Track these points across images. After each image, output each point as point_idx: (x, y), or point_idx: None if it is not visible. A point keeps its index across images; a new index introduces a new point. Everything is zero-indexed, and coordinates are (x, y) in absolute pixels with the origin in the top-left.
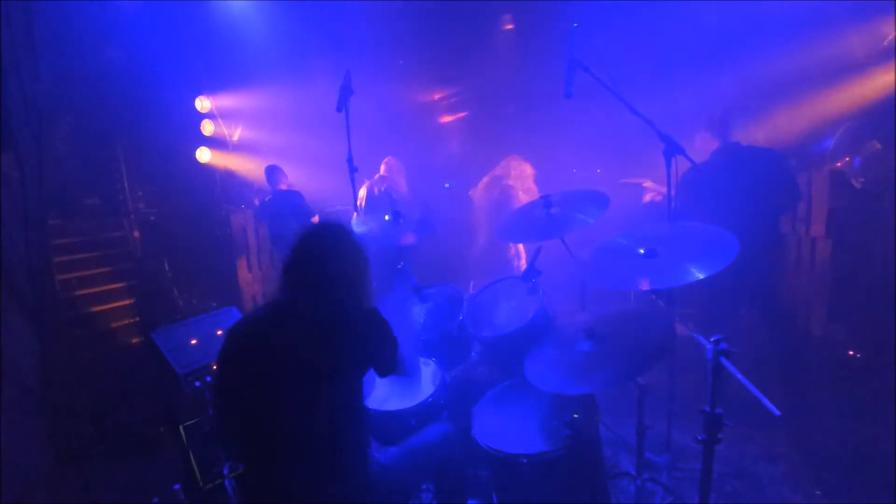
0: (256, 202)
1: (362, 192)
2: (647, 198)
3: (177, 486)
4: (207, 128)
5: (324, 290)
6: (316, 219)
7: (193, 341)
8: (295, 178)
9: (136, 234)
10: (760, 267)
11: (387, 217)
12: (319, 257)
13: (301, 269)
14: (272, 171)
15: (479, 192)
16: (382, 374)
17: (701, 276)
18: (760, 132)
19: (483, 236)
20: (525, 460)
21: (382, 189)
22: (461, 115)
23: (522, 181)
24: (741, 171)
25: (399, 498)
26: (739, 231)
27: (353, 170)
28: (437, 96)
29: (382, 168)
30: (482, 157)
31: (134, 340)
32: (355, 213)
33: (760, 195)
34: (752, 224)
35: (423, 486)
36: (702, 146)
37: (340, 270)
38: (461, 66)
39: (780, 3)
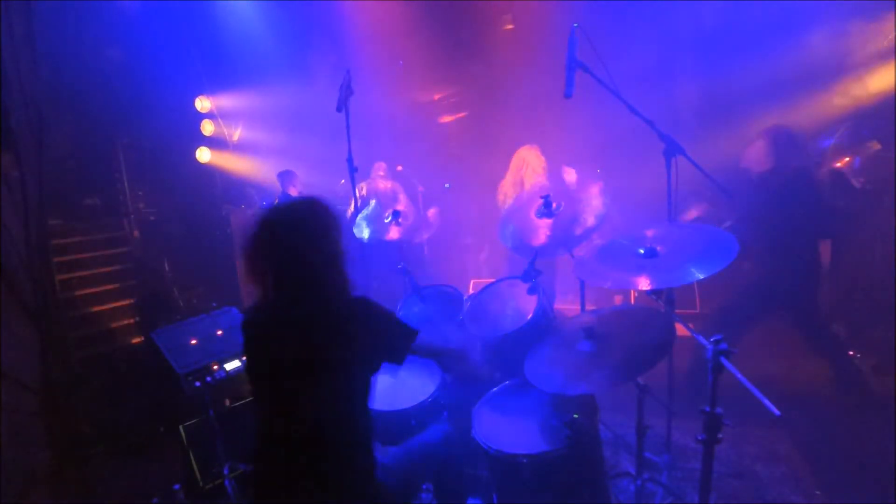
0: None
1: (359, 192)
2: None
3: (177, 486)
4: (207, 128)
5: (305, 278)
6: None
7: (193, 341)
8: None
9: (136, 234)
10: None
11: (388, 219)
12: (288, 243)
13: (274, 261)
14: (284, 176)
15: (505, 185)
16: (399, 362)
17: (701, 276)
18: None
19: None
20: (525, 460)
21: (383, 188)
22: (461, 115)
23: (540, 169)
24: (796, 194)
25: (399, 498)
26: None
27: (353, 170)
28: (437, 96)
29: (376, 171)
30: (482, 157)
31: (134, 340)
32: (351, 210)
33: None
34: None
35: (423, 486)
36: (757, 158)
37: (314, 253)
38: (461, 66)
39: (781, 2)
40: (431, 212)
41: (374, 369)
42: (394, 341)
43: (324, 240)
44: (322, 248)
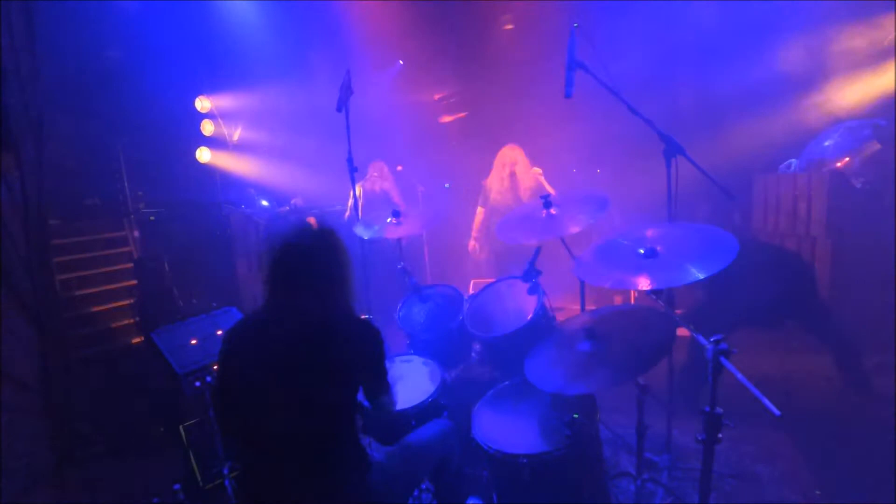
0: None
1: (358, 192)
2: None
3: (177, 486)
4: (207, 128)
5: (310, 292)
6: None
7: (193, 341)
8: (294, 178)
9: (136, 234)
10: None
11: (389, 220)
12: (302, 261)
13: (285, 274)
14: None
15: (490, 182)
16: (371, 396)
17: (701, 276)
18: (760, 131)
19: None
20: (525, 460)
21: (377, 189)
22: (461, 115)
23: (523, 166)
24: None
25: (399, 498)
26: None
27: (353, 170)
28: (437, 96)
29: (372, 171)
30: (482, 157)
31: (134, 340)
32: (348, 213)
33: None
34: None
35: (423, 486)
36: None
37: (324, 272)
38: (461, 66)
39: (781, 2)
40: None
41: (354, 381)
42: (373, 381)
43: (331, 265)
44: (328, 272)
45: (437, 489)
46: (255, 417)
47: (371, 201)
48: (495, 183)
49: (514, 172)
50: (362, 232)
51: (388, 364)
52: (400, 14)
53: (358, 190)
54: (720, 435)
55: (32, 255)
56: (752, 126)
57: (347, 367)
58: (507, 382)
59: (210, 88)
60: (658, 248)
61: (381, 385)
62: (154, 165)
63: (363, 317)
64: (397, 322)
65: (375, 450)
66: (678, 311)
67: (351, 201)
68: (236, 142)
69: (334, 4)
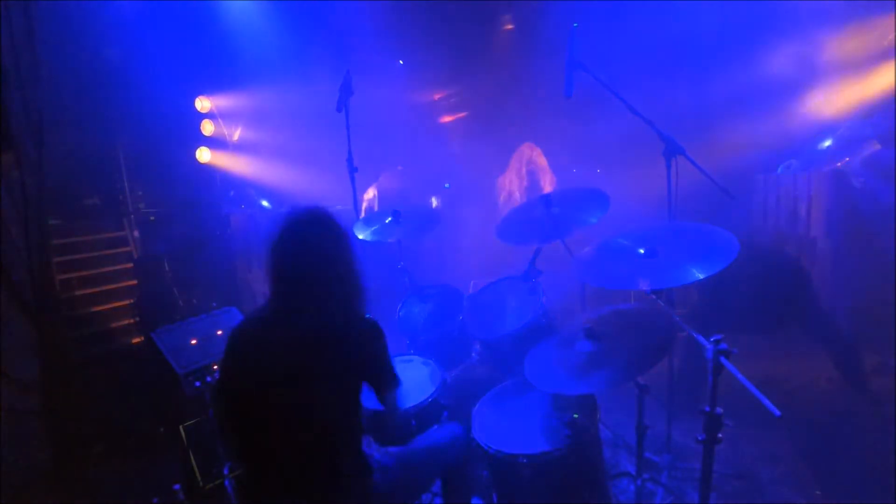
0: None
1: (370, 193)
2: None
3: (177, 486)
4: (207, 128)
5: (310, 288)
6: None
7: (193, 341)
8: (294, 178)
9: (136, 234)
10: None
11: (388, 220)
12: (301, 254)
13: (284, 269)
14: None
15: (507, 179)
16: (380, 393)
17: (701, 276)
18: (760, 132)
19: None
20: (525, 460)
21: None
22: (461, 115)
23: (541, 165)
24: None
25: (402, 498)
26: None
27: (353, 170)
28: (437, 96)
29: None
30: (482, 157)
31: (134, 340)
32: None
33: None
34: None
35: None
36: None
37: (326, 265)
38: (461, 66)
39: (781, 4)
40: None
41: (358, 382)
42: (380, 379)
43: (330, 254)
44: (329, 262)
45: (443, 490)
46: (256, 419)
47: (386, 200)
48: (513, 181)
49: (534, 171)
50: (362, 232)
51: (392, 360)
52: (400, 14)
53: (370, 192)
54: (720, 435)
55: (32, 255)
56: (751, 126)
57: (350, 367)
58: (507, 382)
59: (210, 88)
60: (658, 248)
61: (387, 381)
62: (154, 165)
63: (365, 315)
64: (397, 322)
65: (376, 450)
66: (678, 312)
67: (365, 204)
68: (236, 142)
69: (334, 4)
